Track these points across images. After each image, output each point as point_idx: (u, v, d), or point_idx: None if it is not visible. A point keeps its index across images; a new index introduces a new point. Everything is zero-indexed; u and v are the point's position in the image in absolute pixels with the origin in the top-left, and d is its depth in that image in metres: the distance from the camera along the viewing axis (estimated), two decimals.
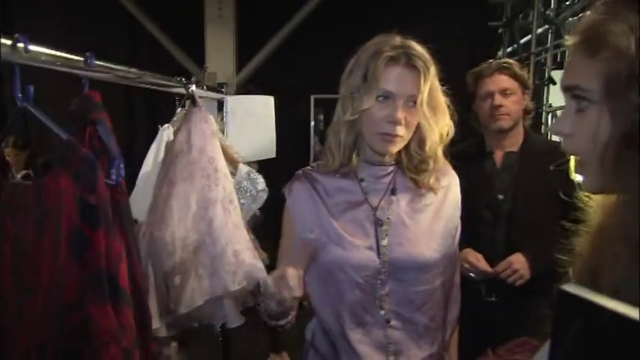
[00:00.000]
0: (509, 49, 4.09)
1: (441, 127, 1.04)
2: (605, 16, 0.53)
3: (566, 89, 0.58)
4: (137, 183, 1.67)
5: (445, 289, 1.10)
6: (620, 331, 0.37)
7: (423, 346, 1.05)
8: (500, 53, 4.11)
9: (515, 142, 1.70)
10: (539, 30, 3.69)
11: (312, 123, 4.10)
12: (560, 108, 3.51)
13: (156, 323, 1.12)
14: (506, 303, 1.61)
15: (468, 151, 1.75)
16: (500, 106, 1.63)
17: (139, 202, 1.51)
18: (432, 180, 1.08)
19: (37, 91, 0.94)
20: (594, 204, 0.64)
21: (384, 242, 1.03)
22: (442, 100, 1.04)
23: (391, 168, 1.09)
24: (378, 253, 1.03)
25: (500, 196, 1.64)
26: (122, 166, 0.97)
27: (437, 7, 3.65)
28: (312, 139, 4.10)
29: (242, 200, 1.66)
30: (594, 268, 0.58)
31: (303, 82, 3.83)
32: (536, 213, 1.59)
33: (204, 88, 1.74)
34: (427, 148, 1.05)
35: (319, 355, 1.11)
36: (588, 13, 0.58)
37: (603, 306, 0.38)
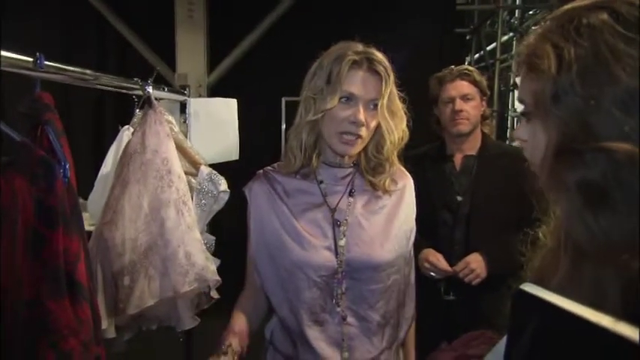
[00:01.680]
0: (476, 56, 4.21)
1: (398, 131, 1.08)
2: (538, 38, 0.57)
3: (518, 100, 0.63)
4: (96, 184, 1.65)
5: (399, 288, 1.13)
6: (575, 331, 0.39)
7: (375, 342, 1.08)
8: (467, 59, 4.21)
9: (473, 145, 1.76)
10: (505, 37, 3.81)
11: (284, 126, 4.11)
12: None
13: (104, 323, 1.12)
14: (464, 301, 1.66)
15: (429, 154, 1.80)
16: (461, 110, 1.69)
17: (98, 203, 1.50)
18: (387, 182, 1.12)
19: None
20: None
21: (342, 242, 1.07)
22: (400, 106, 1.08)
23: (349, 170, 1.13)
24: (336, 253, 1.06)
25: (459, 198, 1.70)
26: (68, 166, 0.97)
27: (406, 13, 3.71)
28: (283, 141, 4.11)
29: (203, 201, 1.67)
30: (544, 270, 0.61)
31: (275, 85, 3.84)
32: (493, 214, 1.66)
33: (165, 89, 1.74)
34: (384, 152, 1.09)
35: (278, 353, 1.13)
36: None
37: (559, 306, 0.40)
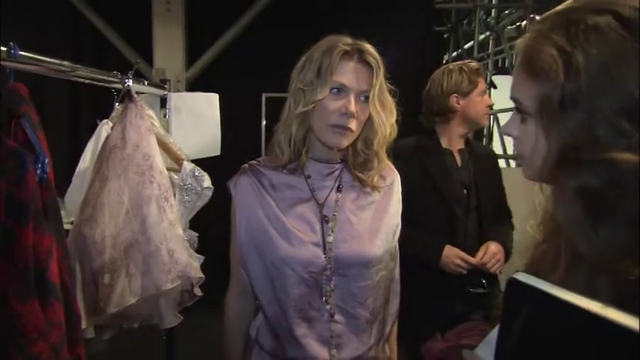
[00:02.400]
0: (454, 54, 4.26)
1: (388, 125, 1.05)
2: (539, 39, 0.54)
3: (511, 99, 0.60)
4: (73, 180, 1.60)
5: (386, 284, 1.12)
6: (567, 319, 0.39)
7: (364, 339, 1.06)
8: (445, 57, 4.27)
9: (463, 141, 1.77)
10: (481, 36, 3.88)
11: (264, 122, 4.08)
12: (501, 111, 3.71)
13: (82, 323, 1.09)
14: (490, 292, 1.67)
15: (424, 147, 1.74)
16: (492, 105, 1.74)
17: (75, 200, 1.46)
18: (375, 179, 1.10)
19: None
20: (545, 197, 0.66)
21: (330, 239, 1.04)
22: (390, 99, 1.07)
23: (337, 166, 1.11)
24: (324, 250, 1.04)
25: (465, 191, 1.70)
26: (47, 161, 0.94)
27: (385, 10, 3.74)
28: (264, 137, 4.08)
29: (186, 197, 1.64)
30: (539, 266, 0.61)
31: (255, 81, 3.81)
32: (496, 205, 1.72)
33: (145, 83, 1.70)
34: (373, 147, 1.06)
35: (264, 351, 1.10)
36: (526, 27, 0.60)
37: (551, 294, 0.40)
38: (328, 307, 1.04)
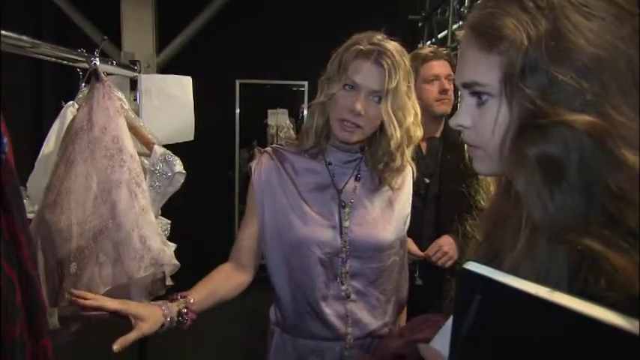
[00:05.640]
0: (428, 43, 4.28)
1: (402, 129, 1.07)
2: (496, 11, 0.54)
3: (465, 85, 0.60)
4: (36, 165, 1.52)
5: (397, 270, 1.19)
6: (517, 305, 0.40)
7: (376, 316, 1.14)
8: (419, 46, 4.28)
9: (438, 128, 1.76)
10: (455, 26, 3.90)
11: (238, 110, 4.00)
12: None
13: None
14: (431, 286, 1.66)
15: None
16: (448, 90, 1.67)
17: (38, 187, 1.38)
18: (393, 180, 1.15)
19: None
20: (486, 190, 0.67)
21: (346, 223, 1.11)
22: (407, 103, 1.07)
23: (357, 155, 1.16)
24: (341, 233, 1.10)
25: (427, 180, 1.69)
26: (5, 141, 0.87)
27: None
28: (238, 125, 4.00)
29: (157, 183, 1.58)
30: (493, 249, 0.62)
31: (229, 66, 3.72)
32: (459, 195, 1.68)
33: (114, 63, 1.62)
34: (390, 148, 1.08)
35: (285, 332, 1.15)
36: (475, 11, 0.59)
37: (501, 281, 0.41)
38: (344, 287, 1.10)
